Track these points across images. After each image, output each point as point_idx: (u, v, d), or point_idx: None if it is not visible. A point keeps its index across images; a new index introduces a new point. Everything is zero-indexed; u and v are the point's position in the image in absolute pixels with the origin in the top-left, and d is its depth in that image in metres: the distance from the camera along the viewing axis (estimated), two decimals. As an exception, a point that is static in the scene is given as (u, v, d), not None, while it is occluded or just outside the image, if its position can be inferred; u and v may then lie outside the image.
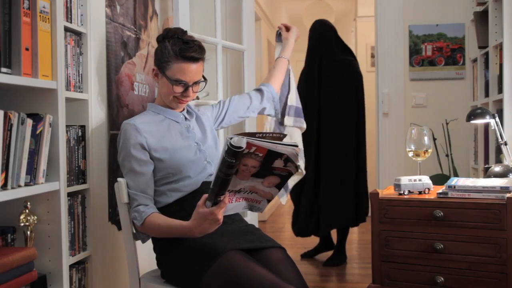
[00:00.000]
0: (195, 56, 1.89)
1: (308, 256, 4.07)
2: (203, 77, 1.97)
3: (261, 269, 1.61)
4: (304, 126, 2.63)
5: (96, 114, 2.14)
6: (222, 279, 1.63)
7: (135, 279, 1.87)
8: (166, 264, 1.83)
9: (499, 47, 2.90)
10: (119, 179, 1.89)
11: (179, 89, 1.91)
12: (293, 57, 8.94)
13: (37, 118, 1.65)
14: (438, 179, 2.80)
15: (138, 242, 1.92)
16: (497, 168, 2.15)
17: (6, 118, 1.50)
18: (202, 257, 1.68)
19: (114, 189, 1.95)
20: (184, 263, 1.74)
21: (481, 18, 3.19)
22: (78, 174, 2.02)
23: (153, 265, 1.96)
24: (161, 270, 1.86)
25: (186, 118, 2.02)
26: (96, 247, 2.11)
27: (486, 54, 3.15)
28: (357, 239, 4.88)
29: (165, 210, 1.85)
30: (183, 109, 2.02)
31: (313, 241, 4.66)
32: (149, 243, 1.94)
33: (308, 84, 3.73)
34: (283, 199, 2.72)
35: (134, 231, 1.89)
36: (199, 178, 1.88)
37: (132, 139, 1.86)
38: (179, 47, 1.88)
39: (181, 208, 1.84)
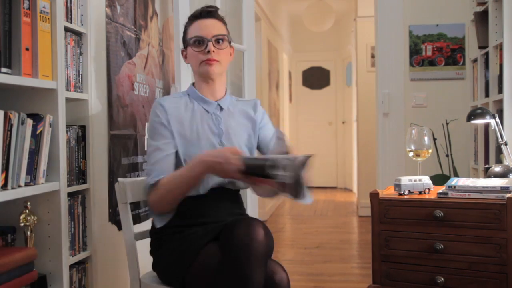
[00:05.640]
0: (205, 10, 1.84)
1: None
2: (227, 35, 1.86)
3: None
4: None
5: (96, 114, 2.14)
6: (203, 275, 1.63)
7: (136, 279, 1.87)
8: (155, 260, 1.83)
9: (499, 47, 2.90)
10: (119, 179, 1.89)
11: (198, 48, 1.81)
12: (294, 57, 8.97)
13: (37, 118, 1.66)
14: (438, 179, 2.79)
15: (139, 242, 1.92)
16: (497, 168, 2.15)
17: (6, 118, 1.50)
18: (183, 256, 1.69)
19: (114, 189, 1.95)
20: (168, 264, 1.74)
21: (481, 18, 3.18)
22: (78, 174, 2.02)
23: (153, 265, 1.96)
24: (153, 262, 1.86)
25: (221, 108, 1.87)
26: (96, 247, 2.11)
27: (486, 54, 3.15)
28: (357, 239, 4.89)
29: None
30: (222, 98, 1.89)
31: (313, 240, 4.66)
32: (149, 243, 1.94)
33: None
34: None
35: (149, 210, 1.80)
36: (210, 182, 1.77)
37: (161, 118, 1.79)
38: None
39: (182, 205, 1.80)
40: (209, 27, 1.83)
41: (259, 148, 1.96)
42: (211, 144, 1.80)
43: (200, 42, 1.82)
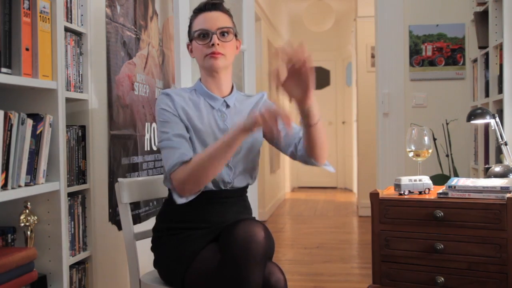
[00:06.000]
0: (209, 2, 1.80)
1: None
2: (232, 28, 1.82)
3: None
4: None
5: (96, 114, 2.14)
6: (203, 275, 1.62)
7: (135, 280, 1.86)
8: (156, 258, 1.82)
9: (499, 47, 2.90)
10: (119, 179, 1.89)
11: (203, 41, 1.77)
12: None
13: (37, 118, 1.66)
14: (438, 179, 2.79)
15: (139, 242, 1.91)
16: (497, 168, 2.15)
17: (6, 118, 1.50)
18: (181, 258, 1.68)
19: (114, 189, 1.95)
20: (168, 263, 1.73)
21: (481, 18, 3.19)
22: (78, 174, 2.02)
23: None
24: (154, 259, 1.84)
25: (227, 106, 1.83)
26: (96, 247, 2.11)
27: (486, 54, 3.15)
28: (357, 239, 4.88)
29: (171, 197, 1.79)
30: (229, 94, 1.85)
31: (313, 240, 4.66)
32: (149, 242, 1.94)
33: None
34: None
35: (172, 187, 1.70)
36: (208, 184, 1.73)
37: (169, 106, 1.75)
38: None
39: (186, 208, 1.74)
40: (213, 20, 1.78)
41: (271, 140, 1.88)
42: (215, 137, 1.75)
43: (205, 35, 1.77)
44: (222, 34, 1.78)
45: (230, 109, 1.83)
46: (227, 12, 1.84)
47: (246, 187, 1.87)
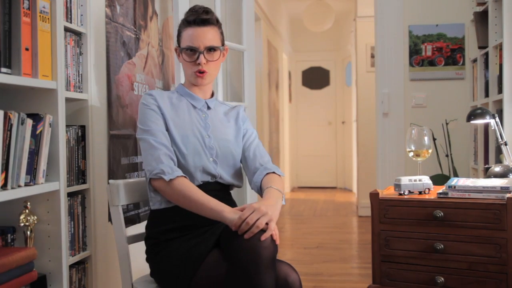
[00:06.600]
0: (199, 17, 1.83)
1: None
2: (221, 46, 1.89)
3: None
4: None
5: (96, 114, 2.14)
6: (211, 282, 1.60)
7: (128, 285, 1.80)
8: (154, 266, 1.78)
9: (499, 47, 2.90)
10: (110, 180, 1.83)
11: (190, 58, 1.84)
12: (293, 57, 8.94)
13: (37, 118, 1.66)
14: (438, 179, 2.80)
15: (133, 245, 1.87)
16: (497, 168, 2.15)
17: (6, 118, 1.50)
18: (188, 263, 1.65)
19: (113, 189, 1.93)
20: (171, 268, 1.69)
21: (481, 18, 3.19)
22: (78, 174, 2.02)
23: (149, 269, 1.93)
24: (151, 270, 1.82)
25: (208, 107, 1.92)
26: (96, 247, 2.11)
27: (486, 54, 3.15)
28: (357, 239, 4.89)
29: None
30: (210, 97, 1.94)
31: (312, 240, 4.66)
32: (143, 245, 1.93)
33: None
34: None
35: (150, 193, 1.76)
36: (197, 172, 1.78)
37: (151, 104, 1.81)
38: (186, 15, 1.88)
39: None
40: (201, 37, 1.83)
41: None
42: (199, 132, 1.82)
43: (192, 51, 1.84)
44: (210, 50, 1.85)
45: (211, 110, 1.93)
46: (216, 24, 1.89)
47: (231, 185, 1.89)
